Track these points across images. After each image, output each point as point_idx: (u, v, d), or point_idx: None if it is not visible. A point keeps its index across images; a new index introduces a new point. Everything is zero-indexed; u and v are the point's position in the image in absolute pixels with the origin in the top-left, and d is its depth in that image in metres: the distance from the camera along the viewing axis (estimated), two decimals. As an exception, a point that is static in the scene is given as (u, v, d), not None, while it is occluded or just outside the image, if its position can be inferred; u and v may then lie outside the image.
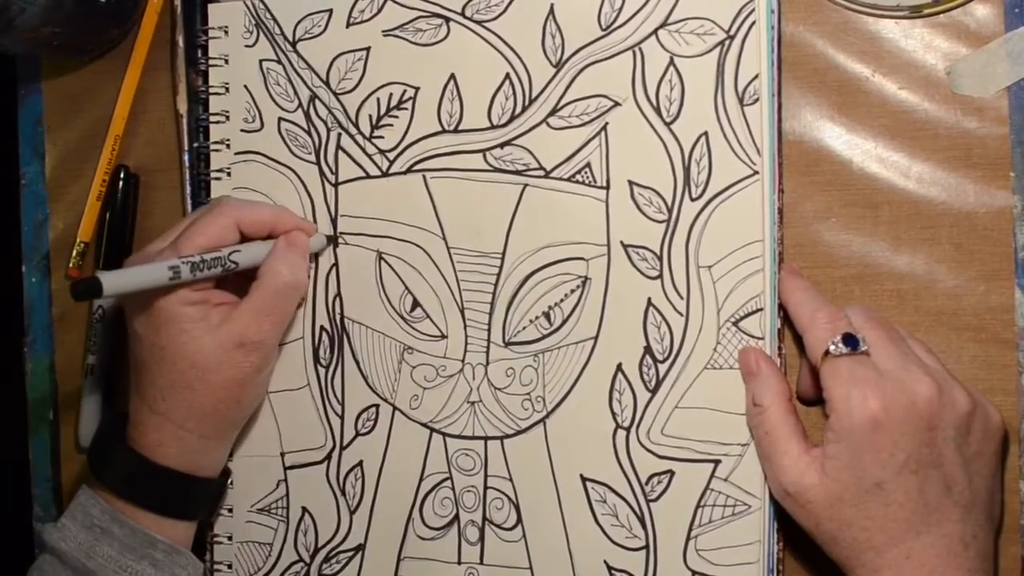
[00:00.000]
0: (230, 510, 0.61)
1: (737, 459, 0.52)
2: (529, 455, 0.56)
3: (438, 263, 0.57)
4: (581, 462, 0.55)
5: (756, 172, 0.52)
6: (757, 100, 0.52)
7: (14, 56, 0.68)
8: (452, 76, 0.57)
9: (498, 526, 0.56)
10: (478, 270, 0.57)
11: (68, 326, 0.67)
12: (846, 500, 0.47)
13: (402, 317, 0.58)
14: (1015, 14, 0.51)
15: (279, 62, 0.61)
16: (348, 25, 0.59)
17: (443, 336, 0.57)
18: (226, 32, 0.62)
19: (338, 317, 0.59)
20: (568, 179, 0.55)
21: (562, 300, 0.55)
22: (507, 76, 0.56)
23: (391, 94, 0.59)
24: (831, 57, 0.54)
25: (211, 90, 0.62)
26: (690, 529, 0.53)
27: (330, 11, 0.60)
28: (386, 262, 0.58)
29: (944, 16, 0.52)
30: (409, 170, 0.58)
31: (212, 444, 0.56)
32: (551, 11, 0.56)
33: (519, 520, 0.56)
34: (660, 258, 0.54)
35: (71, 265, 0.65)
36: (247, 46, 0.61)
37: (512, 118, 0.56)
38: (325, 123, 0.60)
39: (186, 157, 0.63)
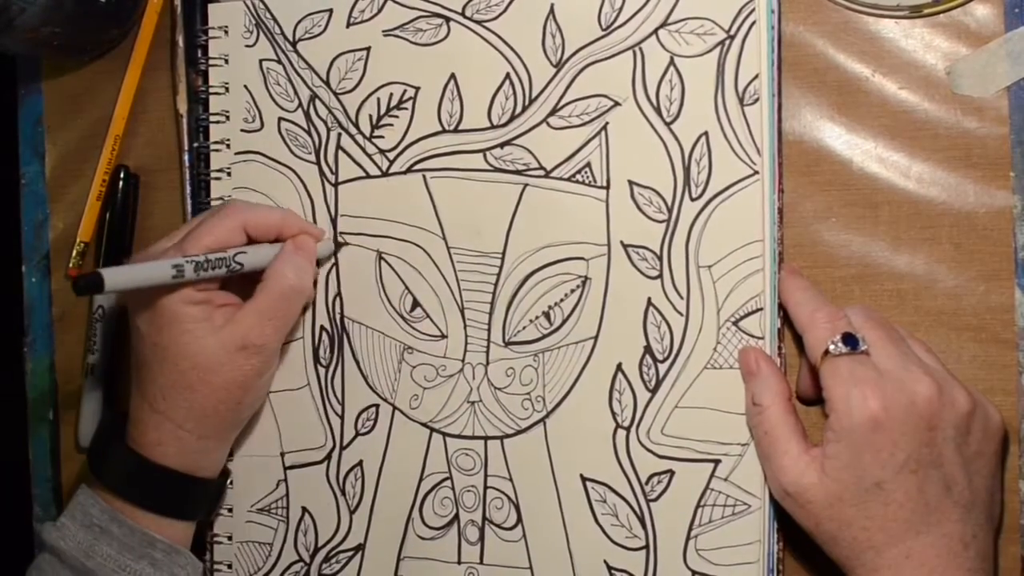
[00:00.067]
0: (230, 510, 0.61)
1: (737, 459, 0.52)
2: (529, 455, 0.56)
3: (438, 263, 0.57)
4: (581, 462, 0.55)
5: (756, 172, 0.52)
6: (757, 100, 0.52)
7: (14, 56, 0.68)
8: (452, 76, 0.57)
9: (498, 526, 0.56)
10: (478, 270, 0.57)
11: (68, 326, 0.67)
12: (846, 500, 0.47)
13: (402, 317, 0.58)
14: (1015, 14, 0.51)
15: (279, 62, 0.61)
16: (348, 25, 0.59)
17: (443, 336, 0.57)
18: (226, 32, 0.62)
19: (338, 317, 0.59)
20: (568, 179, 0.55)
21: (562, 300, 0.55)
22: (507, 76, 0.56)
23: (391, 94, 0.59)
24: (831, 57, 0.54)
25: (211, 90, 0.62)
26: (690, 529, 0.53)
27: (330, 11, 0.60)
28: (386, 262, 0.58)
29: (944, 16, 0.52)
30: (409, 170, 0.58)
31: (211, 444, 0.56)
32: (551, 11, 0.56)
33: (519, 520, 0.56)
34: (660, 258, 0.54)
35: (71, 265, 0.65)
36: (247, 46, 0.61)
37: (512, 118, 0.56)
38: (325, 123, 0.60)
39: (186, 157, 0.63)
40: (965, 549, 0.46)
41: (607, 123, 0.55)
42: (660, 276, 0.54)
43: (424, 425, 0.58)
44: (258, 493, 0.60)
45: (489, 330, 0.57)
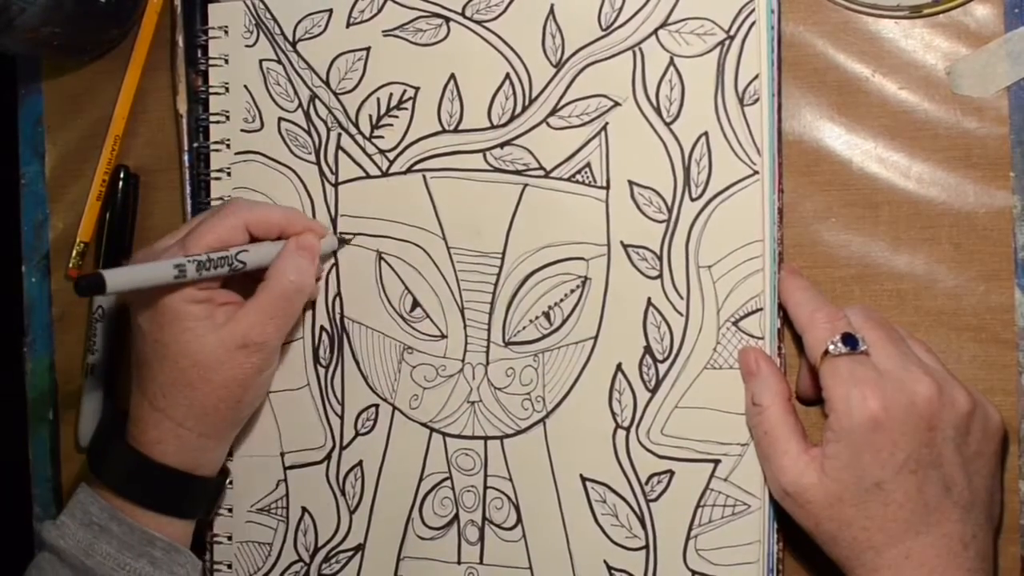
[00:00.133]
0: (230, 510, 0.61)
1: (737, 459, 0.52)
2: (529, 455, 0.56)
3: (438, 263, 0.57)
4: (581, 462, 0.55)
5: (756, 172, 0.52)
6: (757, 100, 0.52)
7: (14, 56, 0.68)
8: (452, 76, 0.57)
9: (498, 526, 0.56)
10: (478, 270, 0.57)
11: (68, 326, 0.67)
12: (845, 500, 0.47)
13: (402, 317, 0.58)
14: (1015, 14, 0.51)
15: (279, 62, 0.61)
16: (348, 25, 0.59)
17: (443, 336, 0.57)
18: (226, 32, 0.62)
19: (338, 317, 0.59)
20: (568, 179, 0.55)
21: (562, 300, 0.55)
22: (507, 76, 0.56)
23: (391, 94, 0.59)
24: (831, 57, 0.54)
25: (211, 90, 0.62)
26: (690, 529, 0.53)
27: (330, 11, 0.60)
28: (386, 262, 0.58)
29: (944, 16, 0.52)
30: (409, 170, 0.58)
31: (211, 443, 0.56)
32: (551, 11, 0.56)
33: (519, 520, 0.56)
34: (660, 258, 0.54)
35: (71, 265, 0.66)
36: (247, 46, 0.61)
37: (512, 118, 0.56)
38: (325, 123, 0.60)
39: (186, 157, 0.63)
40: (965, 549, 0.46)
41: (607, 123, 0.55)
42: (660, 276, 0.54)
43: (424, 425, 0.58)
44: (258, 493, 0.60)
45: (489, 330, 0.57)
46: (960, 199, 0.52)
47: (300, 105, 0.60)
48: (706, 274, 0.53)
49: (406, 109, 0.58)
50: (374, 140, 0.59)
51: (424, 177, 0.58)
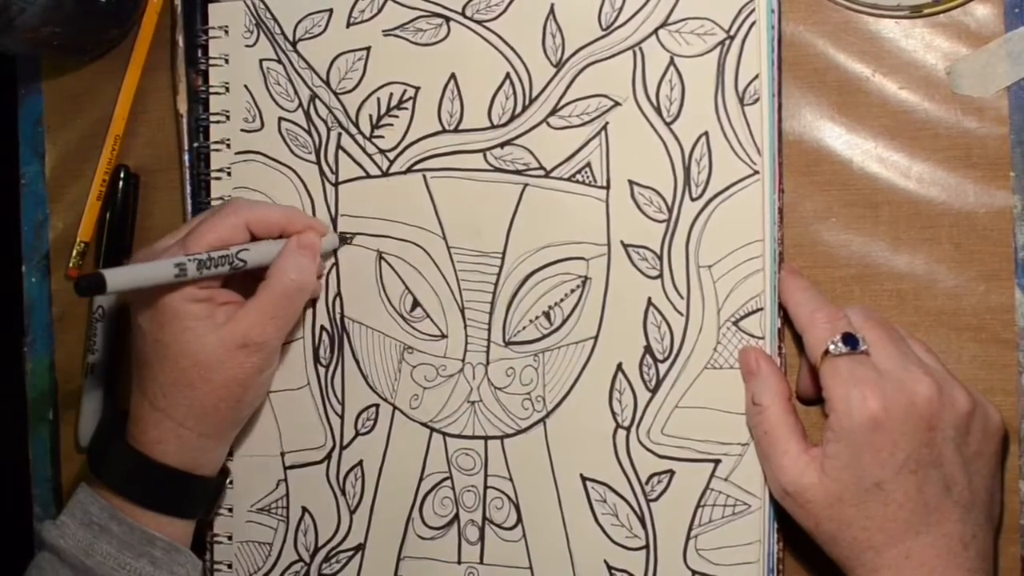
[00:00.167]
0: (230, 510, 0.61)
1: (737, 459, 0.52)
2: (529, 455, 0.56)
3: (438, 263, 0.57)
4: (581, 462, 0.55)
5: (756, 172, 0.52)
6: (757, 100, 0.52)
7: (14, 56, 0.68)
8: (452, 76, 0.57)
9: (498, 526, 0.56)
10: (478, 270, 0.57)
11: (68, 326, 0.67)
12: (846, 500, 0.47)
13: (402, 317, 0.58)
14: (1015, 14, 0.51)
15: (279, 62, 0.61)
16: (348, 25, 0.59)
17: (443, 336, 0.57)
18: (226, 32, 0.62)
19: (338, 317, 0.59)
20: (568, 179, 0.55)
21: (562, 300, 0.55)
22: (507, 76, 0.56)
23: (391, 94, 0.59)
24: (831, 57, 0.54)
25: (211, 90, 0.62)
26: (690, 529, 0.53)
27: (330, 11, 0.60)
28: (386, 262, 0.58)
29: (944, 16, 0.52)
30: (409, 170, 0.58)
31: (211, 443, 0.56)
32: (551, 11, 0.56)
33: (519, 520, 0.56)
34: (660, 258, 0.54)
35: (71, 265, 0.66)
36: (247, 46, 0.61)
37: (512, 118, 0.56)
38: (325, 123, 0.60)
39: (186, 157, 0.63)
40: (965, 549, 0.46)
41: (607, 123, 0.55)
42: (660, 276, 0.54)
43: (424, 425, 0.58)
44: (258, 493, 0.60)
45: (489, 330, 0.57)
46: (960, 199, 0.52)
47: (300, 105, 0.60)
48: (706, 274, 0.53)
49: (406, 109, 0.58)
50: (374, 140, 0.59)
51: (424, 177, 0.58)
